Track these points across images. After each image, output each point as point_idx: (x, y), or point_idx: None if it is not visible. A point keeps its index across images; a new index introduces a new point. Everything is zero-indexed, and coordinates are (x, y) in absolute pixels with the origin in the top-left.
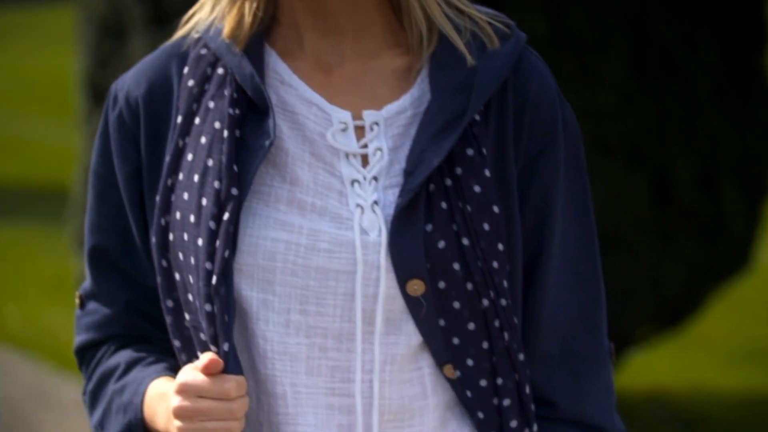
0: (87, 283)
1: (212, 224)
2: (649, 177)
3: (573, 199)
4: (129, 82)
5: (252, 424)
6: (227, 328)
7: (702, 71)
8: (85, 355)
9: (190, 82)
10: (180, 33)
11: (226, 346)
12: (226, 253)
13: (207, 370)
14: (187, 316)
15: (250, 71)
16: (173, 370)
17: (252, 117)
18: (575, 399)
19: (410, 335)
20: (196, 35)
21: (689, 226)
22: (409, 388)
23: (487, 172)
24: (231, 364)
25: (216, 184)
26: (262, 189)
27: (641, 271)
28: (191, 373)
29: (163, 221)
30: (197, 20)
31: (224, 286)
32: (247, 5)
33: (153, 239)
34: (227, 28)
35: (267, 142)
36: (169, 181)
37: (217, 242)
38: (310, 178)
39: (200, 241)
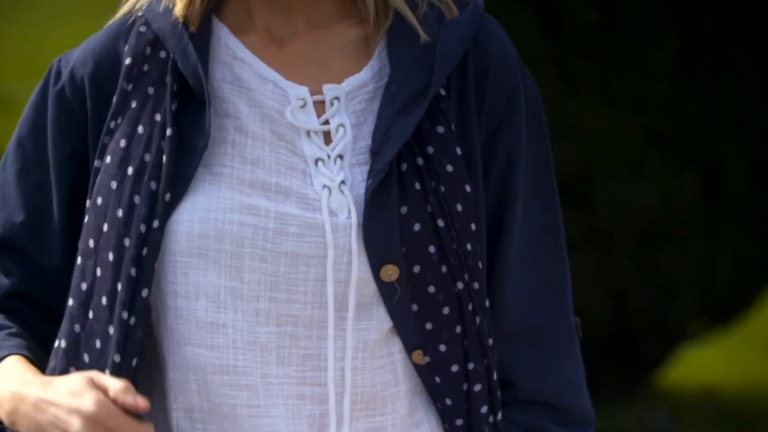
0: None
1: (143, 227)
2: (699, 171)
3: (535, 171)
4: (75, 60)
5: (213, 418)
6: (139, 342)
7: (753, 63)
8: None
9: (128, 60)
10: (124, 9)
11: (134, 362)
12: (156, 264)
13: (126, 406)
14: (90, 314)
15: (194, 61)
16: (35, 359)
17: (193, 109)
18: (541, 375)
19: (381, 320)
20: (140, 13)
21: (740, 221)
22: (380, 375)
23: (458, 150)
24: (134, 380)
25: (152, 185)
26: (223, 171)
27: (691, 266)
28: (103, 405)
29: (89, 203)
30: None
31: (146, 290)
32: None
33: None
34: (179, 6)
35: (202, 144)
36: (97, 163)
37: (145, 249)
38: (272, 158)
39: (127, 242)
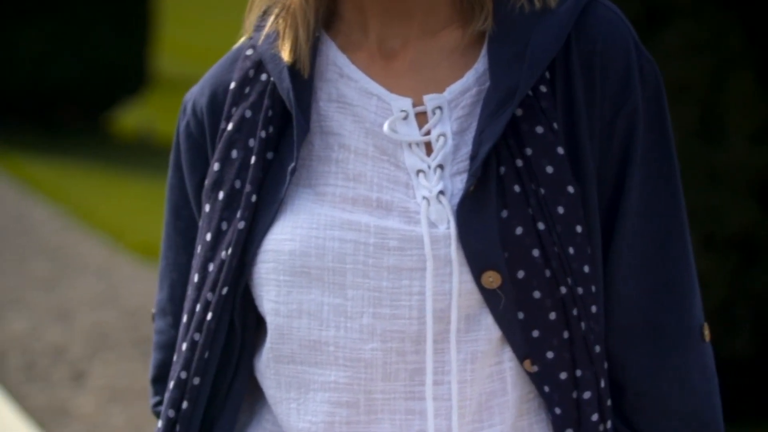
0: (158, 297)
1: (224, 254)
2: None
3: (654, 158)
4: (196, 92)
5: None
6: (204, 363)
7: None
8: (156, 388)
9: (232, 85)
10: (247, 34)
11: (196, 380)
12: (225, 290)
13: None
14: (179, 332)
15: (287, 85)
16: None
17: (290, 132)
18: (657, 379)
19: (490, 330)
20: (250, 35)
21: None
22: (488, 385)
23: (560, 150)
24: (197, 397)
25: (239, 213)
26: (327, 189)
27: None
28: None
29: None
30: (254, 19)
31: (216, 321)
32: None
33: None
34: (286, 53)
35: (290, 168)
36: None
37: (222, 275)
38: (374, 173)
39: (211, 267)
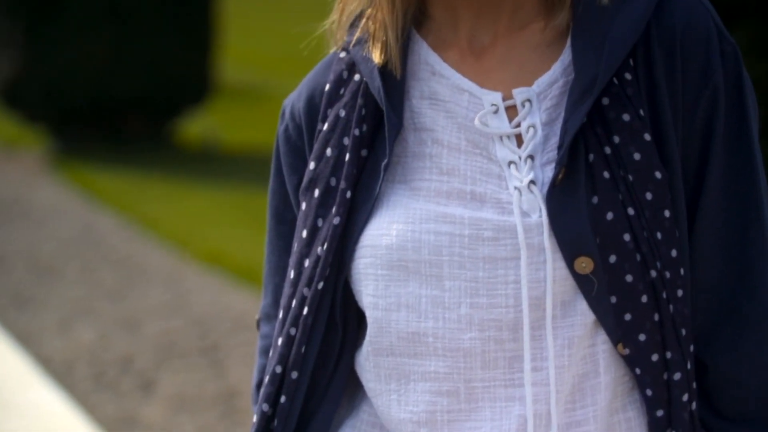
0: (263, 302)
1: (320, 250)
2: None
3: (735, 147)
4: (294, 97)
5: (408, 427)
6: (302, 358)
7: None
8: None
9: (327, 86)
10: (342, 38)
11: (294, 375)
12: (320, 285)
13: None
14: (275, 329)
15: (377, 85)
16: None
17: (383, 132)
18: (738, 361)
19: (585, 315)
20: (345, 38)
21: None
22: (581, 367)
23: (647, 136)
24: (294, 392)
25: (334, 209)
26: (422, 185)
27: None
28: None
29: None
30: (345, 26)
31: (313, 316)
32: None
33: None
34: (376, 55)
35: (383, 163)
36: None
37: (317, 271)
38: (467, 166)
39: (307, 263)
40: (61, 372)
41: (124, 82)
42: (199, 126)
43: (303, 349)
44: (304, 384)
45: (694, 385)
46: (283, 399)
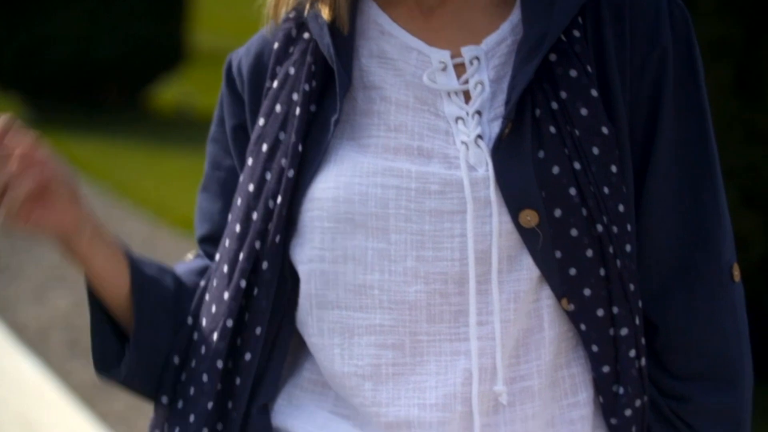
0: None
1: (271, 203)
2: None
3: (686, 107)
4: (242, 52)
5: (352, 381)
6: (262, 313)
7: None
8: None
9: (276, 45)
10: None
11: (258, 330)
12: (277, 238)
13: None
14: (214, 282)
15: (327, 42)
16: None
17: (332, 89)
18: (687, 320)
19: (530, 269)
20: None
21: None
22: (526, 322)
23: (594, 92)
24: (256, 347)
25: (283, 161)
26: (370, 141)
27: None
28: None
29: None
30: None
31: (270, 271)
32: None
33: None
34: (325, 12)
35: (333, 119)
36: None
37: (270, 224)
38: (415, 123)
39: (255, 216)
40: (36, 339)
41: (99, 50)
42: (173, 92)
43: (264, 304)
44: (262, 338)
45: (643, 340)
46: (248, 356)
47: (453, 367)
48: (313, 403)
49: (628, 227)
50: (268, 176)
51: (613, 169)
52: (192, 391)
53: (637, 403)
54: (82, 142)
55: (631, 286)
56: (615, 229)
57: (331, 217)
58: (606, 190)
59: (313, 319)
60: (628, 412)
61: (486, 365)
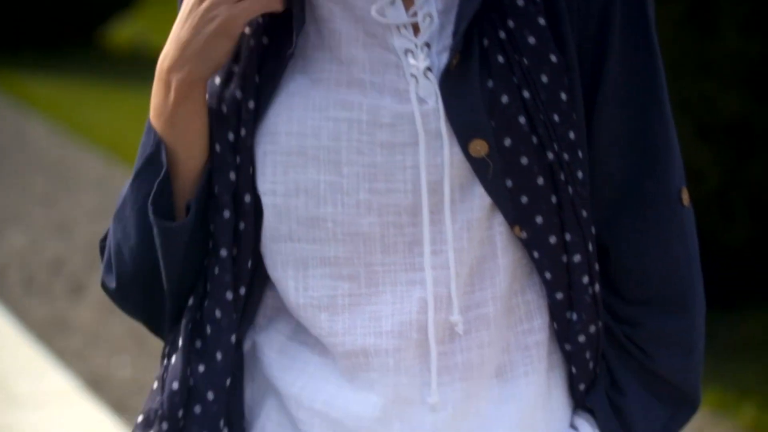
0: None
1: (231, 136)
2: None
3: (633, 38)
4: None
5: (308, 314)
6: (252, 240)
7: None
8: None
9: None
10: None
11: (249, 263)
12: (250, 169)
13: None
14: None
15: None
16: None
17: (284, 26)
18: (637, 244)
19: (482, 198)
20: None
21: None
22: (479, 250)
23: (541, 21)
24: (249, 279)
25: (238, 93)
26: (322, 75)
27: None
28: None
29: None
30: None
31: (248, 195)
32: None
33: None
34: None
35: (288, 52)
36: None
37: (238, 157)
38: (366, 57)
39: (218, 147)
40: None
41: None
42: (128, 30)
43: (251, 232)
44: (252, 271)
45: (597, 267)
46: (242, 290)
47: (408, 296)
48: (274, 330)
49: (579, 154)
50: (224, 109)
51: (563, 96)
52: (209, 329)
53: (592, 329)
54: (37, 80)
55: (584, 213)
56: (566, 156)
57: (284, 150)
58: (556, 117)
59: (268, 251)
60: (581, 338)
61: (441, 294)
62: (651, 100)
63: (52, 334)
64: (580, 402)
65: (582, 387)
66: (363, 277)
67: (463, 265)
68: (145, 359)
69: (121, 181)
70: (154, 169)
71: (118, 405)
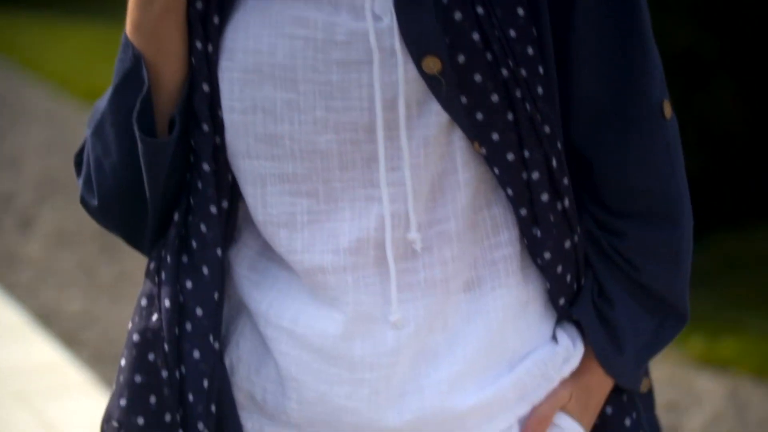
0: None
1: (200, 45)
2: None
3: None
4: None
5: (268, 230)
6: (220, 150)
7: None
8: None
9: None
10: None
11: (229, 176)
12: (206, 87)
13: None
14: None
15: None
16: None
17: None
18: (620, 156)
19: (439, 114)
20: None
21: None
22: (439, 165)
23: None
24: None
25: (199, 4)
26: None
27: None
28: None
29: None
30: None
31: (220, 110)
32: None
33: None
34: None
35: None
36: None
37: (209, 71)
38: None
39: (193, 60)
40: None
41: None
42: None
43: (218, 140)
44: (233, 183)
45: (565, 181)
46: (224, 203)
47: (367, 212)
48: (243, 245)
49: (540, 69)
50: (193, 22)
51: (520, 12)
52: (194, 244)
53: (567, 244)
54: None
55: (546, 129)
56: (523, 72)
57: (240, 67)
58: (512, 33)
59: (233, 168)
60: (547, 255)
61: (398, 211)
62: (629, 16)
63: (1, 269)
64: (564, 315)
65: (561, 301)
66: (322, 193)
67: (422, 181)
68: (96, 292)
69: (69, 115)
70: (135, 84)
71: (69, 338)
